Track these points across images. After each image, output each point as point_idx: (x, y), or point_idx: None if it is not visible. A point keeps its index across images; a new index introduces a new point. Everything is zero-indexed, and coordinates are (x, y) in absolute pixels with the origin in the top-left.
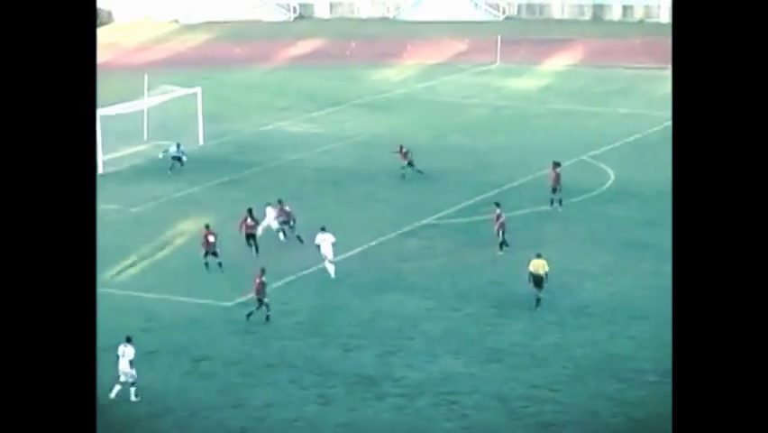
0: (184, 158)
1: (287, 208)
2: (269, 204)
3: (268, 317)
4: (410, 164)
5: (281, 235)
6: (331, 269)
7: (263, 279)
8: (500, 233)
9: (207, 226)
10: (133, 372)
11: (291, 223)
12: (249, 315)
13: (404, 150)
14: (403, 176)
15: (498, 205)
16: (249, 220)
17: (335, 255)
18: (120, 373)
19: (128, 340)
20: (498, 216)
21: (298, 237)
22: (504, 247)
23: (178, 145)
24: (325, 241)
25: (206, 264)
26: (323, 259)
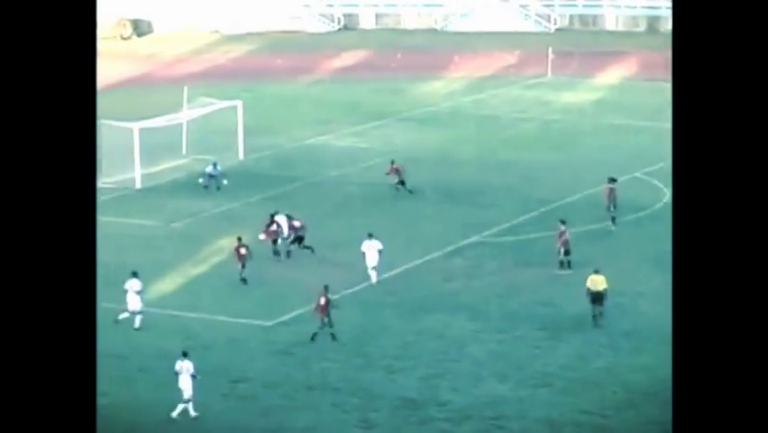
0: (225, 181)
1: (296, 224)
2: (276, 212)
3: (333, 336)
4: (401, 182)
5: (291, 247)
6: (373, 275)
7: (328, 296)
8: (562, 251)
9: (240, 239)
10: (191, 385)
11: (302, 234)
12: (314, 337)
13: (395, 165)
14: (397, 190)
15: (563, 222)
16: (272, 226)
17: (380, 264)
18: (182, 390)
19: (185, 354)
20: (562, 234)
21: (309, 247)
22: (566, 268)
23: (215, 164)
24: (372, 248)
25: (243, 279)
26: (366, 266)
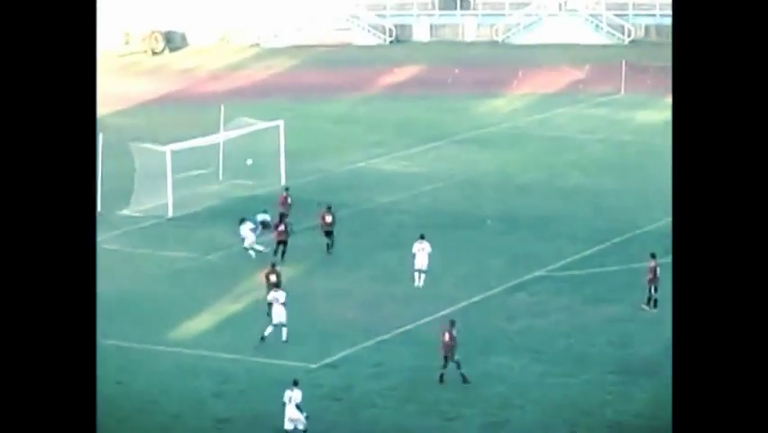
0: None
1: (327, 219)
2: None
3: (464, 378)
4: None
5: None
6: (419, 278)
7: (454, 332)
8: (652, 288)
9: (273, 265)
10: (303, 416)
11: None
12: (441, 376)
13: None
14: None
15: (653, 256)
16: (327, 217)
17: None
18: (287, 420)
19: (295, 383)
20: (654, 270)
21: (329, 247)
22: (653, 306)
23: (265, 211)
24: (422, 250)
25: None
26: (413, 267)
